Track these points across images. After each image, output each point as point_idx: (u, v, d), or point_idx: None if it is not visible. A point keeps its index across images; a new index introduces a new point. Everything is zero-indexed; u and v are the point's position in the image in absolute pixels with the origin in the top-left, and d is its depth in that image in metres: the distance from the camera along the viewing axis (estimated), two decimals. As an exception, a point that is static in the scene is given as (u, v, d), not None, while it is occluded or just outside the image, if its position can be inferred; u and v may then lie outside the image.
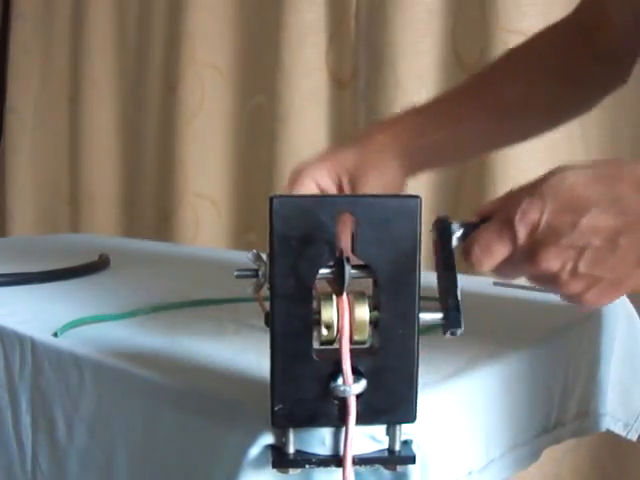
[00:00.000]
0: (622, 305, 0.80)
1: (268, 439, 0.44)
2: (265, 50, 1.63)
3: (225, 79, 1.73)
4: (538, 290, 0.51)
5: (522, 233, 0.44)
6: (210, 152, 1.74)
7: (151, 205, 1.89)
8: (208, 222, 1.75)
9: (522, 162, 1.20)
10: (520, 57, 0.74)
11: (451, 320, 0.43)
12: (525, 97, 0.70)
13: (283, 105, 1.55)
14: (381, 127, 0.68)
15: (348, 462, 0.40)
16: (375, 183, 0.62)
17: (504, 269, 0.46)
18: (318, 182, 0.62)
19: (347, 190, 0.62)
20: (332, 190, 0.62)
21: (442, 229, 0.47)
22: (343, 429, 0.42)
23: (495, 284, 0.90)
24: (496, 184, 1.21)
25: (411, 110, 0.70)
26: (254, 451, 0.44)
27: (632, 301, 0.84)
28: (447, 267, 0.45)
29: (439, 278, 0.45)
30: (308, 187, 0.62)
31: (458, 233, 0.47)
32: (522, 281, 0.51)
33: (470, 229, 0.47)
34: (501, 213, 0.45)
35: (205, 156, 1.74)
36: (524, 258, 0.44)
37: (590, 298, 0.44)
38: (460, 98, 0.72)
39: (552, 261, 0.43)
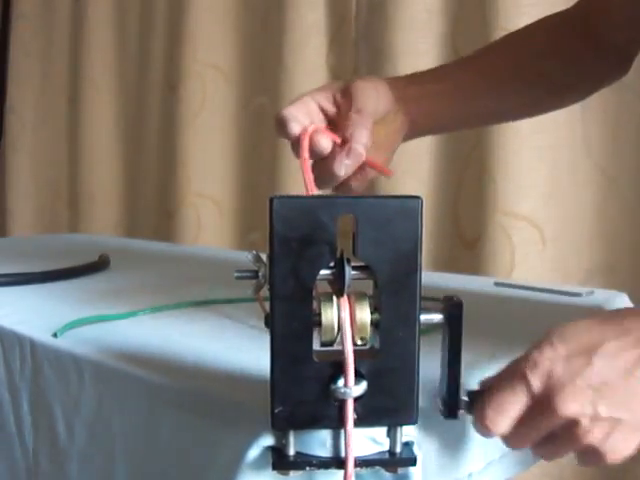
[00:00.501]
0: (622, 305, 0.80)
1: (268, 441, 0.43)
2: (267, 50, 1.63)
3: (227, 79, 1.73)
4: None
5: (536, 382, 0.42)
6: (212, 152, 1.74)
7: (153, 205, 1.89)
8: (210, 222, 1.75)
9: (523, 161, 1.20)
10: (517, 37, 0.74)
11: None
12: (519, 69, 0.71)
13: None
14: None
15: (350, 465, 0.40)
16: (368, 98, 0.60)
17: (521, 430, 0.43)
18: (317, 100, 0.62)
19: (342, 105, 0.61)
20: (329, 108, 0.62)
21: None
22: (332, 431, 0.42)
23: (496, 284, 0.90)
24: (496, 182, 1.21)
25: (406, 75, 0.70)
26: (254, 453, 0.44)
27: (632, 301, 0.84)
28: (452, 363, 0.44)
29: (443, 368, 0.45)
30: (307, 104, 0.62)
31: (465, 401, 0.45)
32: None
33: (476, 394, 0.45)
34: (510, 369, 0.44)
35: (207, 156, 1.74)
36: (541, 410, 0.42)
37: (613, 446, 0.42)
38: (455, 64, 0.74)
39: (570, 404, 0.41)
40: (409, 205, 0.41)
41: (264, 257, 0.43)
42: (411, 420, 0.42)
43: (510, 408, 0.42)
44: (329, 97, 0.62)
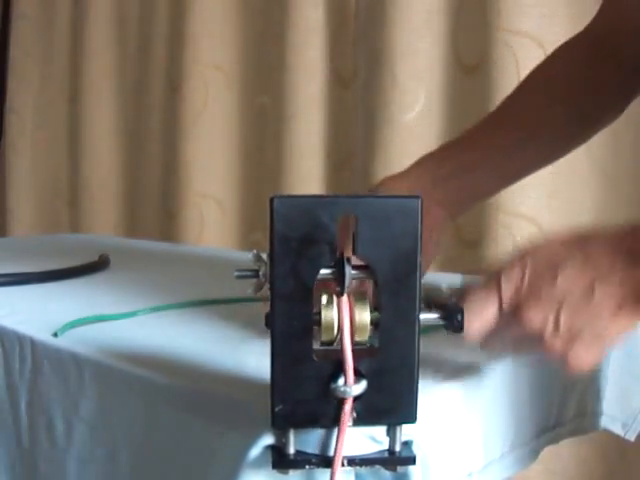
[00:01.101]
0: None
1: (268, 440, 0.44)
2: (269, 50, 1.63)
3: (229, 80, 1.73)
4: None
5: (507, 291, 0.47)
6: (215, 152, 1.75)
7: (155, 205, 1.89)
8: (213, 222, 1.75)
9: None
10: (540, 79, 0.74)
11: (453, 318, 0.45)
12: (550, 115, 0.72)
13: (287, 105, 1.55)
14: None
15: (337, 464, 0.40)
16: None
17: (493, 334, 0.48)
18: None
19: None
20: None
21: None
22: (332, 430, 0.42)
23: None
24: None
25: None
26: (254, 452, 0.44)
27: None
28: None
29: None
30: None
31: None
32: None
33: (459, 295, 0.49)
34: (487, 277, 0.49)
35: (210, 156, 1.75)
36: (510, 316, 0.47)
37: (576, 354, 0.46)
38: (484, 123, 0.73)
39: (535, 315, 0.46)
40: (409, 204, 0.41)
41: (264, 256, 0.43)
42: (411, 419, 0.42)
43: (484, 311, 0.47)
44: None
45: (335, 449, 0.41)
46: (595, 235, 0.49)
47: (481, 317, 0.47)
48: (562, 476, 1.25)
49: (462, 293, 0.49)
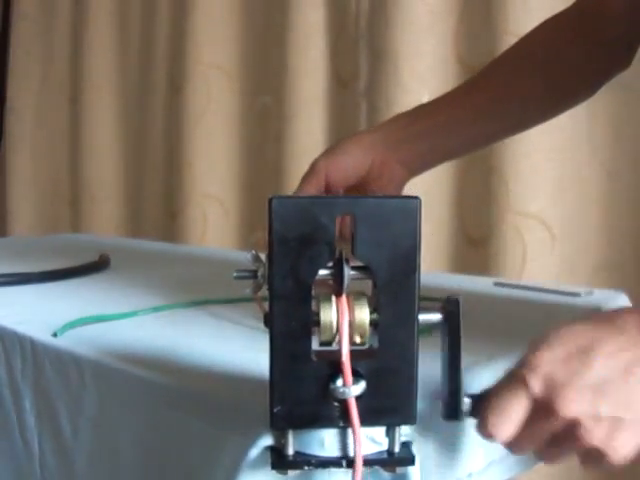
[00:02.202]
0: (621, 304, 0.80)
1: (267, 440, 0.44)
2: (270, 51, 1.63)
3: (231, 80, 1.73)
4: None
5: (536, 384, 0.42)
6: (217, 152, 1.75)
7: (158, 205, 1.90)
8: (216, 222, 1.76)
9: (533, 163, 1.21)
10: (521, 48, 0.75)
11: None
12: (520, 85, 0.72)
13: (289, 105, 1.55)
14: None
15: (359, 464, 0.40)
16: (335, 172, 0.67)
17: (524, 434, 0.43)
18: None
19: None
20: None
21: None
22: (344, 431, 0.41)
23: (495, 284, 0.90)
24: (508, 184, 1.22)
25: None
26: (253, 452, 0.44)
27: (634, 299, 0.84)
28: (452, 362, 0.44)
29: (443, 369, 0.45)
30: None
31: (466, 405, 0.45)
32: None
33: (478, 398, 0.45)
34: (509, 374, 0.44)
35: (212, 156, 1.75)
36: (542, 413, 0.42)
37: (616, 446, 0.42)
38: (458, 89, 0.75)
39: (571, 405, 0.41)
40: (408, 205, 0.41)
41: (263, 257, 0.43)
42: (410, 420, 0.42)
43: (512, 413, 0.42)
44: (320, 183, 0.68)
45: (354, 451, 0.40)
46: (623, 314, 0.45)
47: (508, 418, 0.42)
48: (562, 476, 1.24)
49: (483, 395, 0.45)
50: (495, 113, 0.72)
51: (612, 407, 0.41)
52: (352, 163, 0.67)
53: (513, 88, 0.72)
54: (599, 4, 0.71)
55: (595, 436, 0.41)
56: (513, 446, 0.44)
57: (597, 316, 0.46)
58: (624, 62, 0.74)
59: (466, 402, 0.44)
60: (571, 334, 0.43)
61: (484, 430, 0.43)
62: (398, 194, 0.69)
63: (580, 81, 0.74)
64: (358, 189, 0.68)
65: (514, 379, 0.43)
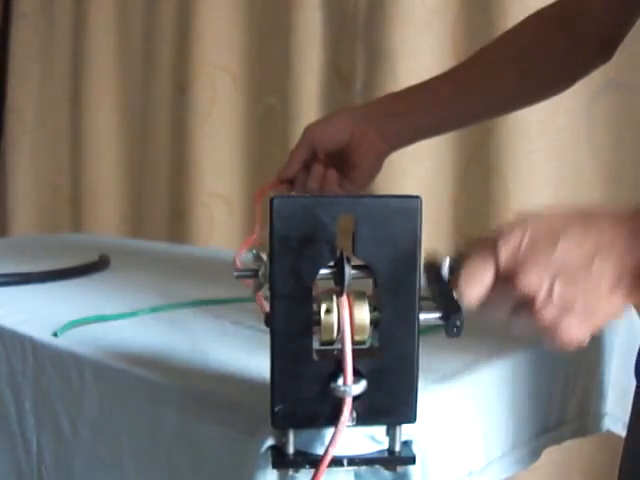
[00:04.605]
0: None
1: (268, 440, 0.44)
2: (275, 51, 1.63)
3: (236, 80, 1.74)
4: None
5: (504, 255, 0.45)
6: (223, 153, 1.75)
7: (164, 206, 1.89)
8: (222, 222, 1.75)
9: (532, 163, 1.21)
10: (505, 39, 0.80)
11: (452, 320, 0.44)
12: (498, 72, 0.77)
13: (294, 105, 1.55)
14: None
15: (325, 464, 0.40)
16: (320, 136, 0.77)
17: (491, 297, 0.47)
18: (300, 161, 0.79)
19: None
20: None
21: (431, 269, 0.47)
22: (332, 429, 0.41)
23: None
24: (507, 184, 1.22)
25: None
26: (254, 452, 0.44)
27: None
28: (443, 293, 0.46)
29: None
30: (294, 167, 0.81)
31: (446, 267, 0.47)
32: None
33: (458, 260, 0.47)
34: (485, 240, 0.47)
35: (218, 157, 1.75)
36: (506, 280, 0.45)
37: (566, 327, 0.45)
38: (446, 72, 0.80)
39: (530, 280, 0.44)
40: (408, 204, 0.41)
41: (264, 256, 0.43)
42: (410, 419, 0.42)
43: (481, 276, 0.46)
44: (308, 145, 0.78)
45: (326, 449, 0.40)
46: (599, 211, 0.48)
47: (478, 281, 0.46)
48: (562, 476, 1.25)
49: (460, 258, 0.48)
50: (474, 95, 0.77)
51: (567, 290, 0.44)
52: (334, 132, 0.76)
53: (494, 72, 0.77)
54: (581, 2, 0.74)
55: (546, 313, 0.44)
56: (482, 306, 0.47)
57: (574, 210, 0.48)
58: (605, 57, 0.76)
59: (447, 262, 0.47)
60: (548, 218, 0.47)
61: (457, 287, 0.46)
62: (377, 164, 0.77)
63: (560, 70, 0.77)
64: (342, 155, 0.76)
65: (487, 247, 0.46)
